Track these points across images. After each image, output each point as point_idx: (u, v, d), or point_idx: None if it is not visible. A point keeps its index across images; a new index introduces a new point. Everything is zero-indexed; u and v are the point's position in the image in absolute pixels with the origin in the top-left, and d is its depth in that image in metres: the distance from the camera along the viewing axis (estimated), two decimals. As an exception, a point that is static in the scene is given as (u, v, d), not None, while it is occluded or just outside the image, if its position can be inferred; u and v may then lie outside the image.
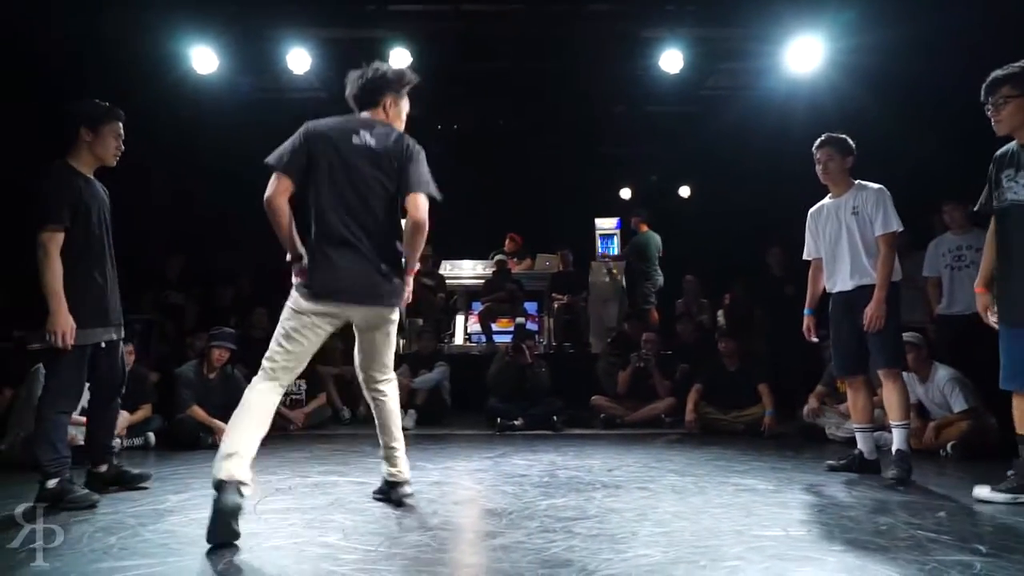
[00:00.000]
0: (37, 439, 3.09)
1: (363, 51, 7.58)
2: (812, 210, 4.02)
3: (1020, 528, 2.60)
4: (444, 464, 4.22)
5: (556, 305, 9.24)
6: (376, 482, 3.23)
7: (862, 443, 3.87)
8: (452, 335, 9.32)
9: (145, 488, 3.41)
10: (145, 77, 6.86)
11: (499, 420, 5.93)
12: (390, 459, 3.05)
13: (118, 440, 4.33)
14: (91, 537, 2.48)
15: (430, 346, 7.23)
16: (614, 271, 9.63)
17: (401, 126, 3.04)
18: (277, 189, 2.69)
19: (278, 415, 5.91)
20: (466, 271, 10.00)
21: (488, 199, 9.83)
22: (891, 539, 2.39)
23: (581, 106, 9.01)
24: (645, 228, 9.00)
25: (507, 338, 7.54)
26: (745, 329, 7.25)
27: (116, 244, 3.39)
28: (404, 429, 5.95)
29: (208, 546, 2.34)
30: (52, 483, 3.00)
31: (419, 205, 2.79)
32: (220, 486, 2.34)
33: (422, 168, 2.89)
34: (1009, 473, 3.02)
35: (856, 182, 3.85)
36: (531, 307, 9.16)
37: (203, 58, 6.89)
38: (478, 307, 8.91)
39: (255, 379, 2.71)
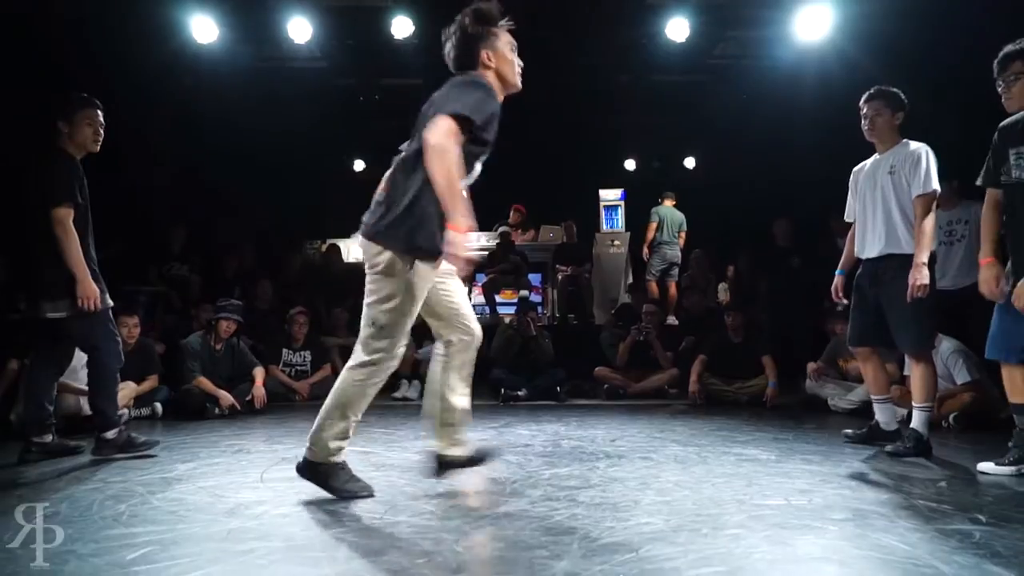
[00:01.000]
0: (28, 401, 3.46)
1: (365, 19, 7.55)
2: (856, 168, 3.80)
3: (1019, 498, 2.62)
4: (448, 434, 4.25)
5: (560, 277, 9.23)
6: (380, 451, 3.26)
7: (880, 414, 3.74)
8: (456, 306, 9.33)
9: (153, 455, 3.48)
10: (144, 47, 6.79)
11: (503, 391, 5.97)
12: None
13: (125, 411, 4.39)
14: (101, 504, 2.51)
15: (434, 318, 7.24)
16: (617, 243, 9.61)
17: (512, 72, 2.75)
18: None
19: (283, 386, 6.03)
20: (470, 242, 9.97)
21: (491, 170, 9.76)
22: (892, 509, 2.41)
23: (586, 76, 8.89)
24: (668, 203, 8.96)
25: (511, 309, 7.55)
26: (750, 301, 7.26)
27: (121, 218, 3.51)
28: (407, 399, 6.10)
29: (215, 513, 2.38)
30: (47, 438, 3.43)
31: (430, 126, 2.37)
32: None
33: (453, 92, 2.53)
34: (1010, 444, 3.01)
35: (902, 140, 3.60)
36: (535, 278, 9.15)
37: (203, 27, 6.80)
38: (482, 279, 8.91)
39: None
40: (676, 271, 8.84)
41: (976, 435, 4.03)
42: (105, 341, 3.44)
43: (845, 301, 3.88)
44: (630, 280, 9.28)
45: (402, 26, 7.06)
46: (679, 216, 8.92)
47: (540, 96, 9.35)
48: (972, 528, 2.17)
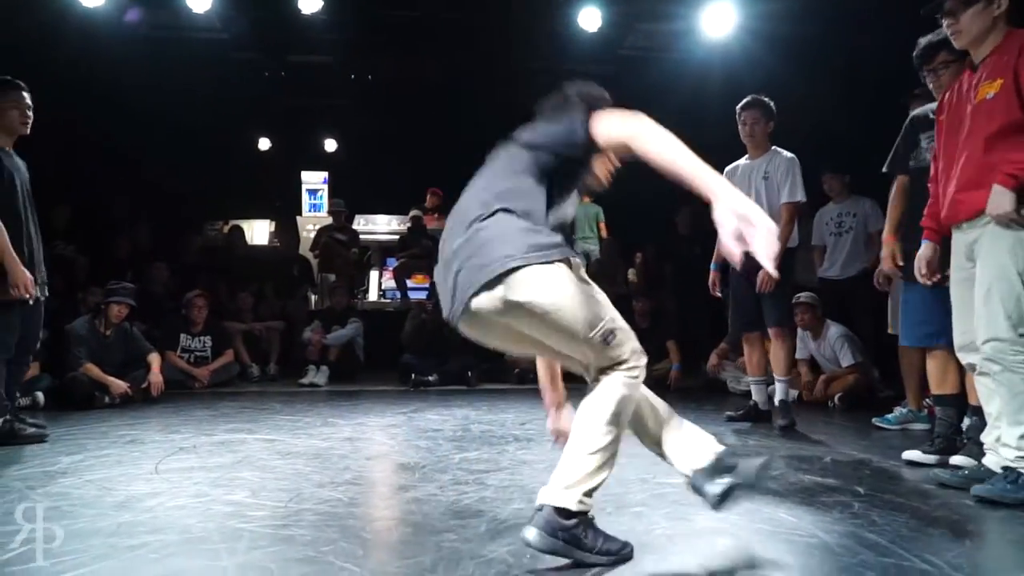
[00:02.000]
0: None
1: (271, -8, 7.22)
2: (728, 169, 4.08)
3: (892, 471, 2.85)
4: (357, 420, 4.19)
5: (472, 262, 9.22)
6: (286, 439, 3.16)
7: (756, 394, 4.12)
8: (366, 291, 9.18)
9: (44, 441, 3.40)
10: (22, 7, 6.24)
11: (413, 376, 5.92)
12: None
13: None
14: (-29, 502, 2.32)
15: (343, 302, 7.10)
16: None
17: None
18: None
19: (182, 372, 5.75)
20: (381, 226, 9.81)
21: (403, 153, 9.62)
22: (781, 484, 2.55)
23: (501, 61, 8.88)
24: (584, 200, 9.00)
25: (422, 294, 7.49)
26: (656, 287, 7.49)
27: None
28: (315, 386, 5.96)
29: (103, 507, 2.24)
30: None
31: (601, 121, 1.91)
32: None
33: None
34: (934, 435, 3.12)
35: (772, 148, 3.94)
36: (447, 264, 9.10)
37: (89, -11, 6.32)
38: (393, 263, 8.79)
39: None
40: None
41: (858, 414, 4.33)
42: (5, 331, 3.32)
43: (719, 295, 4.17)
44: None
45: (311, 3, 6.81)
46: (592, 210, 9.00)
47: (454, 80, 9.30)
48: (852, 500, 2.34)
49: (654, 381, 6.28)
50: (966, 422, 3.16)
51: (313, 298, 8.42)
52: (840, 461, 3.03)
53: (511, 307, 1.73)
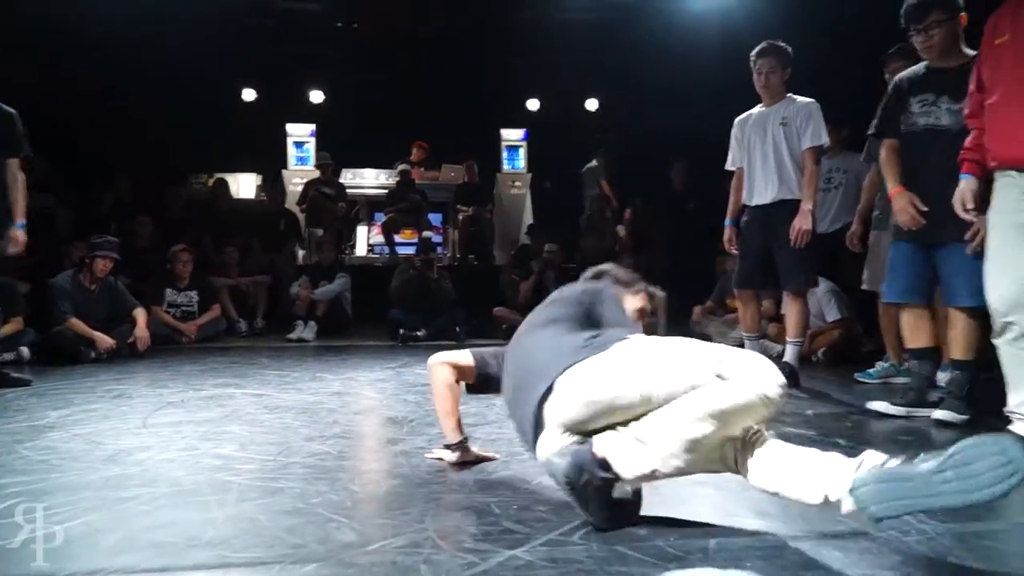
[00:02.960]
0: None
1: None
2: (739, 118, 3.95)
3: (871, 424, 2.90)
4: (345, 375, 4.20)
5: (461, 217, 9.16)
6: (274, 393, 3.16)
7: (750, 350, 4.07)
8: (354, 246, 9.12)
9: (28, 385, 3.54)
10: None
11: (401, 331, 5.93)
12: None
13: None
14: (-41, 456, 2.32)
15: (330, 256, 7.05)
16: (519, 183, 9.60)
17: None
18: None
19: (169, 327, 5.72)
20: (368, 180, 9.70)
21: (391, 106, 9.46)
22: (765, 436, 2.59)
23: (488, 10, 8.66)
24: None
25: (410, 249, 7.46)
26: (647, 243, 7.48)
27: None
28: (303, 341, 5.96)
29: (92, 461, 2.25)
30: None
31: None
32: None
33: None
34: (905, 386, 3.20)
35: (788, 95, 3.78)
36: (436, 218, 9.05)
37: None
38: (381, 218, 8.72)
39: None
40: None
41: (842, 368, 4.38)
42: None
43: (735, 251, 4.02)
44: (531, 221, 9.33)
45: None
46: (598, 171, 8.78)
47: (441, 32, 9.08)
48: (831, 451, 2.38)
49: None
50: (945, 376, 3.21)
51: (300, 253, 8.36)
52: (822, 414, 3.08)
53: None
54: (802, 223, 3.58)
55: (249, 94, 10.13)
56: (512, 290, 6.56)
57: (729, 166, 4.02)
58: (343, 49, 9.47)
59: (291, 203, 8.78)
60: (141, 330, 5.06)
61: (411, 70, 9.45)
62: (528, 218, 9.53)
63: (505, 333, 6.20)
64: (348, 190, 8.91)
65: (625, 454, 1.60)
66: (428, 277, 6.23)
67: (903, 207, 2.98)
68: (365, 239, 9.23)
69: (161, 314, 5.76)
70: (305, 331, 6.09)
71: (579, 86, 10.82)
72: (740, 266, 3.96)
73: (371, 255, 9.02)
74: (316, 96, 10.26)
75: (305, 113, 9.89)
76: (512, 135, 10.08)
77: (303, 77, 10.10)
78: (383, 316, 6.23)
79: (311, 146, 9.49)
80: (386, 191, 8.99)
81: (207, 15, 8.21)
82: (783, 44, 3.76)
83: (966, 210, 2.59)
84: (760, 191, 3.79)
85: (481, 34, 9.19)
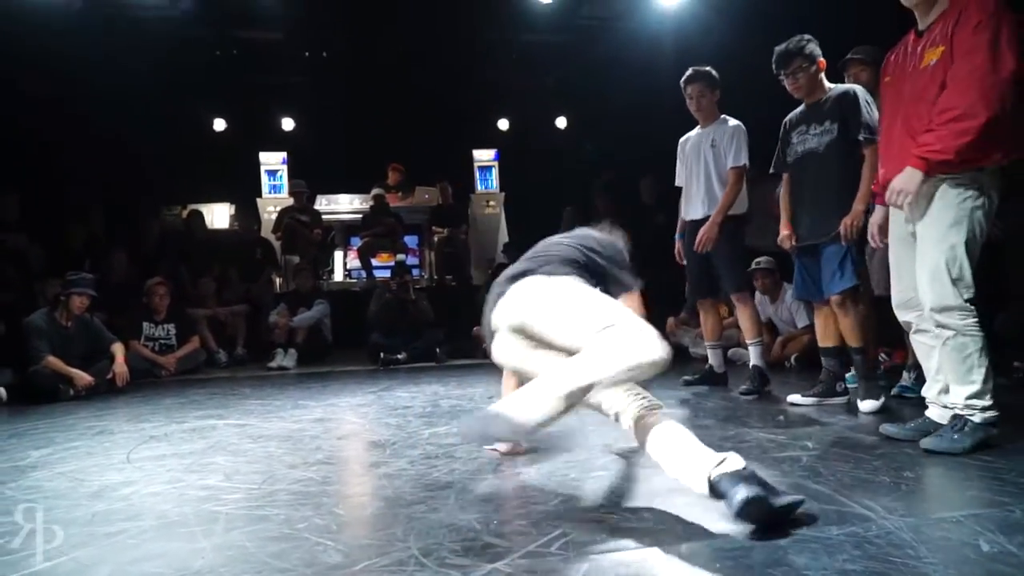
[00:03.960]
0: None
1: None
2: (681, 139, 4.23)
3: (840, 427, 3.00)
4: (327, 401, 4.23)
5: (437, 238, 9.24)
6: (257, 422, 3.19)
7: (712, 358, 4.27)
8: (331, 272, 9.15)
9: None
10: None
11: (382, 355, 5.97)
12: None
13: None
14: (-58, 500, 2.33)
15: (308, 283, 7.08)
16: (492, 203, 9.71)
17: None
18: None
19: (147, 361, 5.71)
20: (343, 206, 9.76)
21: (363, 130, 9.54)
22: (737, 443, 2.68)
23: (457, 32, 8.81)
24: None
25: (388, 273, 7.50)
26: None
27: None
28: (284, 369, 5.97)
29: (77, 498, 2.27)
30: None
31: None
32: None
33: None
34: (820, 379, 3.51)
35: (721, 116, 4.05)
36: (411, 240, 9.12)
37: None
38: (357, 242, 8.76)
39: None
40: None
41: (813, 373, 4.49)
42: None
43: (685, 263, 4.29)
44: (506, 239, 9.44)
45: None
46: None
47: (412, 55, 9.21)
48: (801, 454, 2.48)
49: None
50: (909, 376, 3.47)
51: (278, 281, 8.37)
52: (793, 418, 3.19)
53: None
54: (706, 231, 3.90)
55: (220, 124, 10.17)
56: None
57: (677, 183, 4.28)
58: (311, 75, 9.55)
59: (266, 231, 8.80)
60: (120, 365, 5.05)
61: (381, 92, 9.54)
62: (504, 237, 9.64)
63: (485, 352, 6.25)
64: (323, 216, 8.97)
65: (527, 402, 1.97)
66: (405, 300, 6.29)
67: (783, 237, 3.50)
68: (342, 264, 9.27)
69: (139, 348, 5.75)
70: (285, 359, 6.11)
71: (548, 105, 11.01)
72: (688, 280, 4.32)
73: (349, 280, 9.05)
74: (287, 124, 10.33)
75: (277, 141, 9.95)
76: (484, 155, 10.22)
77: (273, 106, 10.17)
78: (363, 341, 6.27)
79: (284, 174, 9.54)
80: (361, 216, 9.05)
81: (175, 48, 8.26)
82: (708, 68, 4.02)
83: (874, 238, 2.98)
84: (694, 207, 4.08)
85: (450, 54, 9.33)
